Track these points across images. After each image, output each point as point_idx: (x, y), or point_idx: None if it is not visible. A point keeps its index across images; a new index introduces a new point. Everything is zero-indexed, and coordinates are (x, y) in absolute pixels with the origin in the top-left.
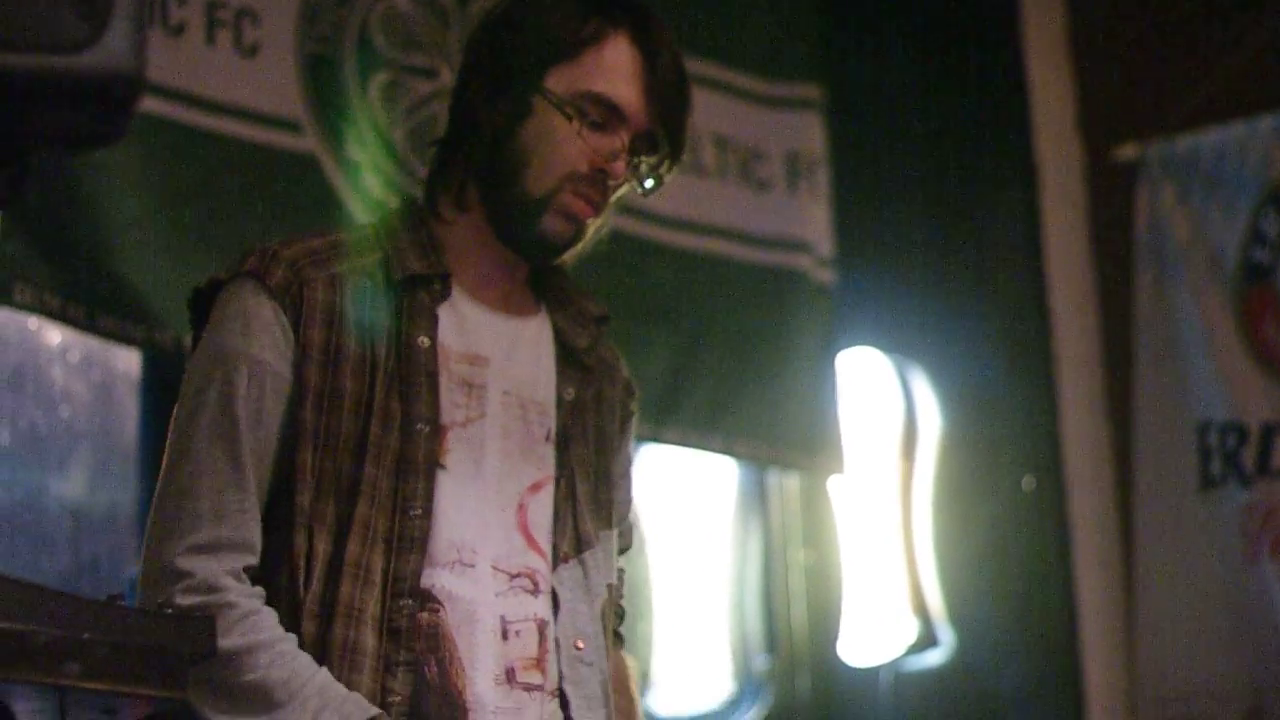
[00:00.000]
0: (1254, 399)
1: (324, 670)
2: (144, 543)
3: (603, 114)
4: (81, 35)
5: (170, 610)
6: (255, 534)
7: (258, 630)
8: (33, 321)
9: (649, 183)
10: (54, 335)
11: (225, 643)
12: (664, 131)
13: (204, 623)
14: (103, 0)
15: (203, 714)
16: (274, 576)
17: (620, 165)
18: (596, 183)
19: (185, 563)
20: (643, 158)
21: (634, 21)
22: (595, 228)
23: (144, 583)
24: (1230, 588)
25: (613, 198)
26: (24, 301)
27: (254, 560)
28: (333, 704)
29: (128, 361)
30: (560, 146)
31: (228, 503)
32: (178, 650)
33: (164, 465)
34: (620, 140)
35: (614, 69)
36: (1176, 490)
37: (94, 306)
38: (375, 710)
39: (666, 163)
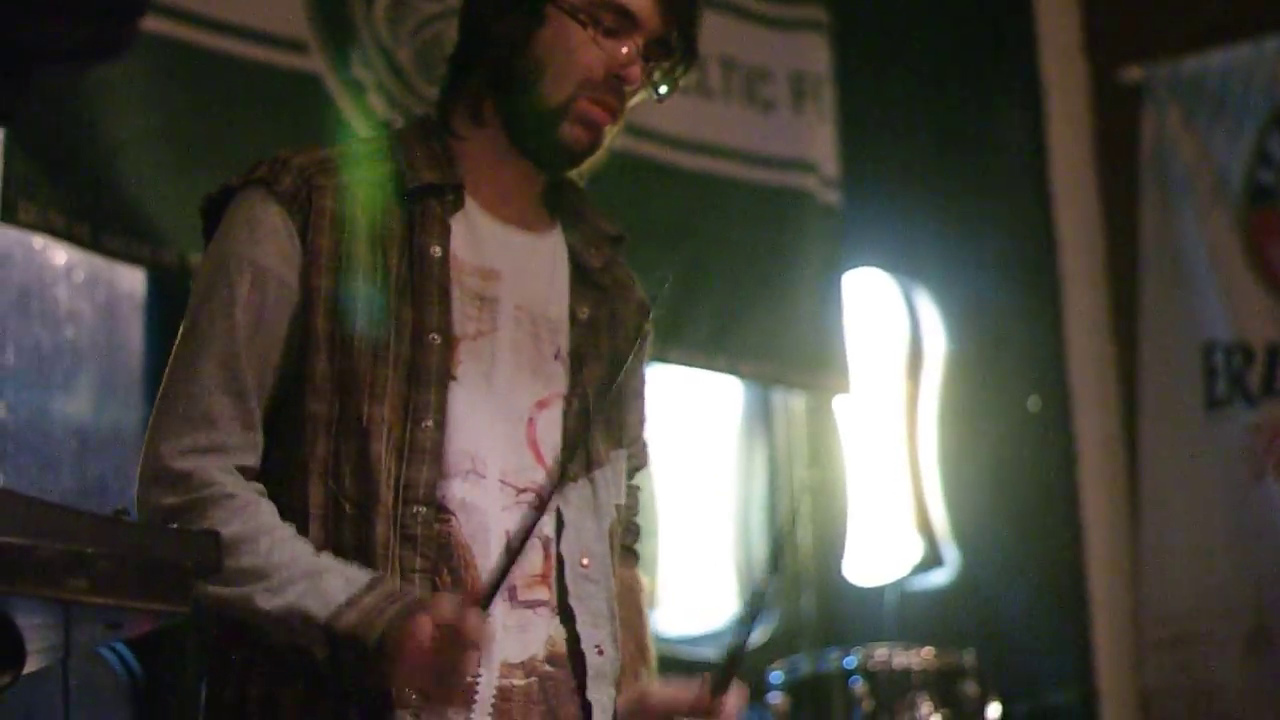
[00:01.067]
0: (1259, 320)
1: (325, 553)
2: (144, 444)
3: (615, 20)
4: None
5: (165, 508)
6: (253, 438)
7: (258, 517)
8: (38, 241)
9: (664, 88)
10: (59, 255)
11: (227, 530)
12: (677, 34)
13: (209, 536)
14: None
15: (203, 594)
16: (288, 481)
17: (635, 70)
18: (613, 89)
19: (182, 463)
20: (657, 62)
21: None
22: (613, 134)
23: (141, 483)
24: (1235, 507)
25: (629, 103)
26: (29, 220)
27: (253, 462)
28: (333, 570)
29: (132, 281)
30: (575, 54)
31: (225, 407)
32: (182, 564)
33: (167, 369)
34: (634, 45)
35: None
36: (1182, 410)
37: (98, 225)
38: (375, 574)
39: (680, 67)
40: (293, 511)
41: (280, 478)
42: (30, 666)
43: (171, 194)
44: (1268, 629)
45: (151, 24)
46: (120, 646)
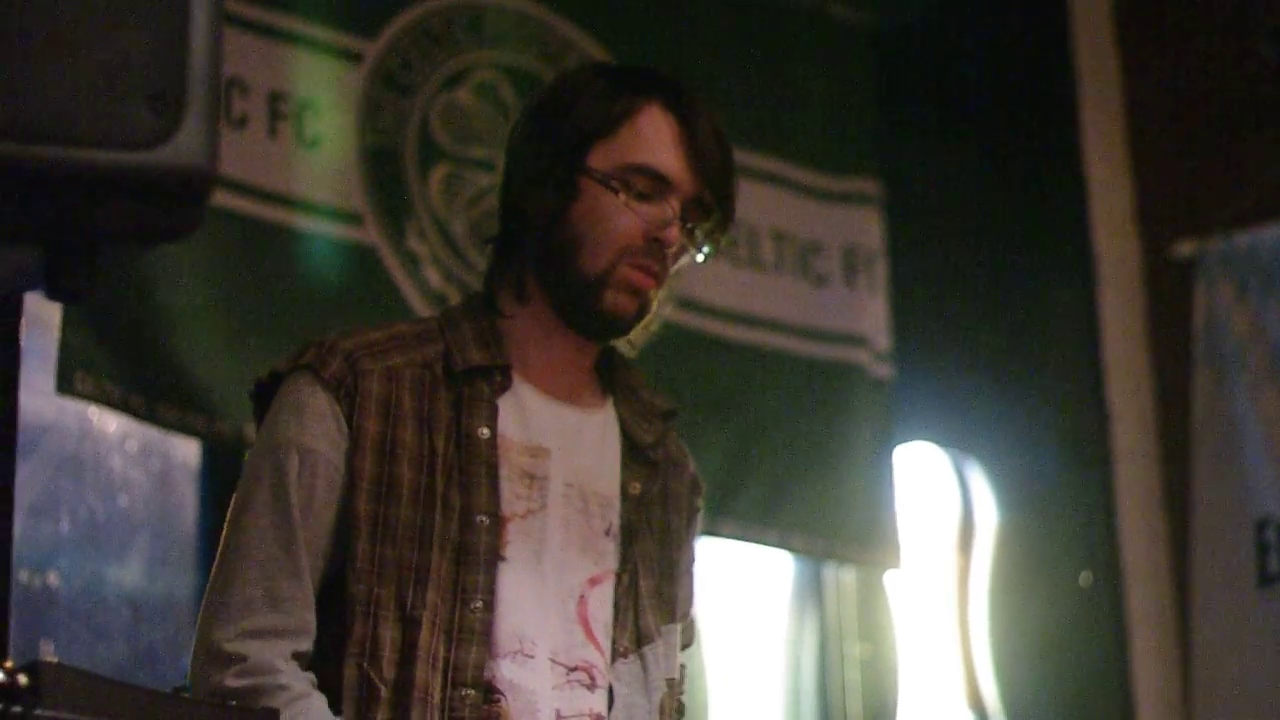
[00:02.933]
0: None
1: None
2: (197, 626)
3: (648, 184)
4: (155, 132)
5: (222, 691)
6: (309, 621)
7: (309, 714)
8: (92, 410)
9: (705, 248)
10: (113, 424)
11: None
12: (712, 193)
13: (268, 715)
14: (176, 97)
15: None
16: (324, 661)
17: (673, 232)
18: (653, 253)
19: (238, 646)
20: (696, 224)
21: (664, 91)
22: (659, 300)
23: (195, 665)
24: None
25: (673, 267)
26: (85, 391)
27: (308, 647)
28: None
29: (186, 451)
30: (611, 221)
31: (281, 589)
32: None
33: (219, 551)
34: (670, 208)
35: (652, 138)
36: (1235, 586)
37: (154, 396)
38: None
39: (719, 227)
40: (327, 692)
41: (329, 658)
42: None
43: (227, 365)
44: None
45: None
46: None
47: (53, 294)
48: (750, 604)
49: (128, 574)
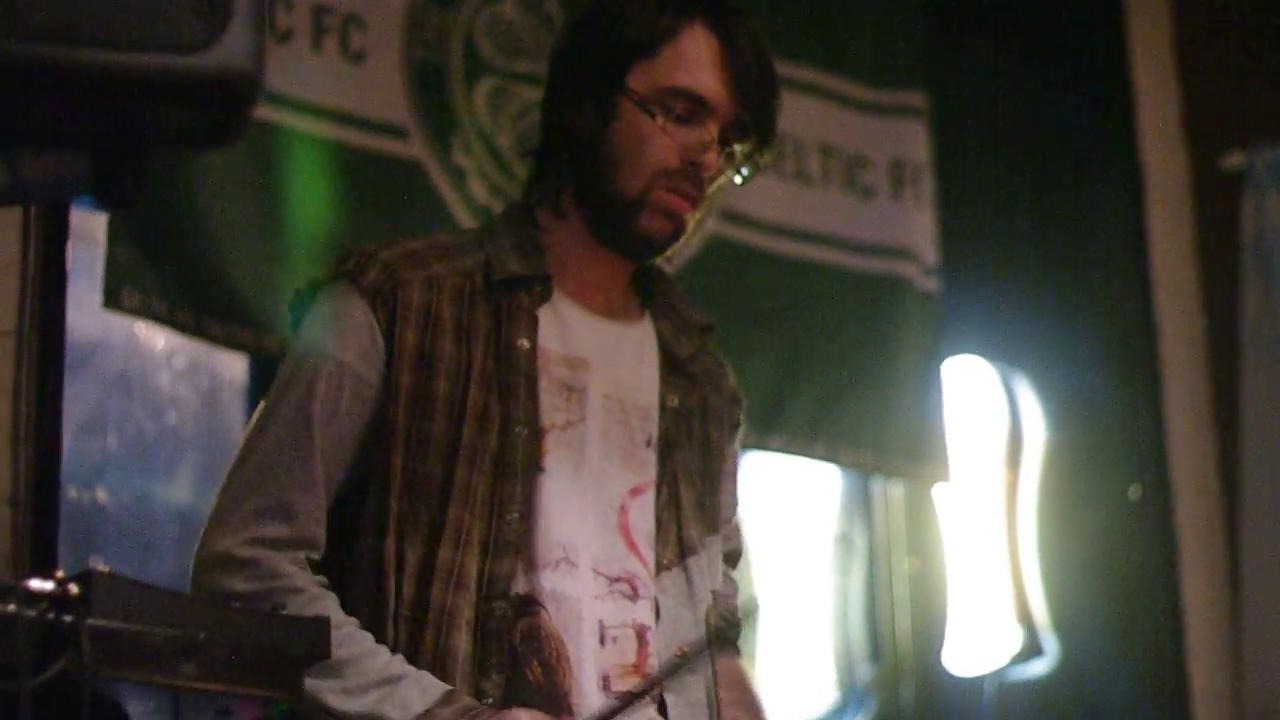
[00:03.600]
0: None
1: (386, 649)
2: (204, 528)
3: (687, 107)
4: (201, 36)
5: (231, 595)
6: (319, 535)
7: (325, 612)
8: (139, 327)
9: (744, 169)
10: (160, 341)
11: None
12: (752, 116)
13: (319, 624)
14: (222, 2)
15: None
16: (356, 580)
17: (711, 156)
18: (690, 176)
19: (247, 552)
20: (735, 146)
21: (708, 10)
22: (697, 220)
23: (200, 570)
24: None
25: (710, 189)
26: (131, 306)
27: (317, 556)
28: (411, 677)
29: (233, 367)
30: (648, 145)
31: (294, 501)
32: (293, 652)
33: (235, 456)
34: (708, 132)
35: (693, 60)
36: None
37: (201, 311)
38: (449, 685)
39: (759, 149)
40: (354, 608)
41: (344, 571)
42: None
43: (274, 280)
44: None
45: (256, 110)
46: None
47: (100, 200)
48: (798, 519)
49: (176, 490)
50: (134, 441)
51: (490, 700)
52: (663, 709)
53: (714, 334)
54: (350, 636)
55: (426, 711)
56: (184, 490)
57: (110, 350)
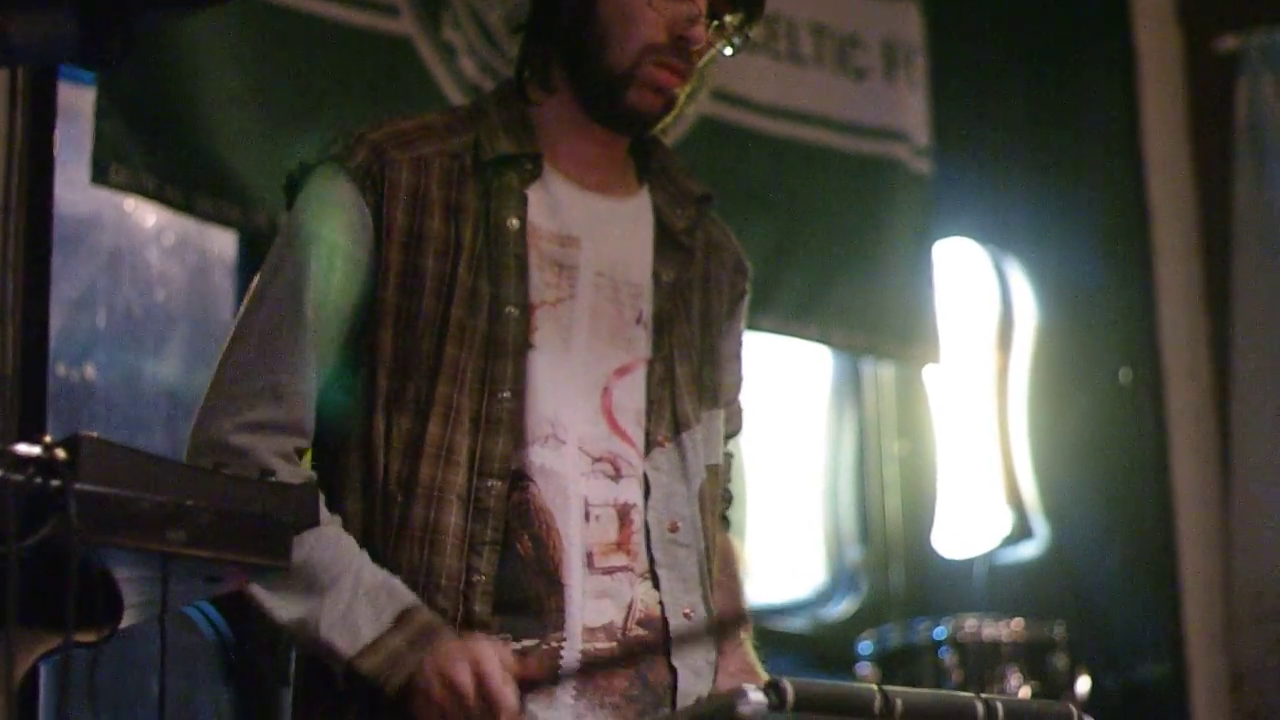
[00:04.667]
0: None
1: (364, 554)
2: (196, 413)
3: None
4: None
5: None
6: (309, 418)
7: None
8: (129, 204)
9: (735, 41)
10: (150, 218)
11: None
12: None
13: (308, 491)
14: None
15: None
16: (345, 456)
17: (699, 30)
18: (678, 51)
19: (237, 439)
20: (724, 18)
21: None
22: (687, 94)
23: (191, 453)
24: None
25: (700, 63)
26: (120, 182)
27: (305, 443)
28: (368, 594)
29: (223, 244)
30: (635, 19)
31: (284, 384)
32: (281, 519)
33: (229, 337)
34: (696, 5)
35: None
36: (1275, 381)
37: (190, 187)
38: (408, 601)
39: (749, 21)
40: (344, 486)
41: (333, 450)
42: (128, 620)
43: (263, 156)
44: None
45: None
46: (210, 609)
47: (87, 59)
48: (789, 399)
49: (165, 367)
50: (123, 318)
51: (482, 577)
52: (656, 585)
53: (713, 203)
54: (325, 539)
55: (374, 642)
56: (173, 367)
57: (99, 227)
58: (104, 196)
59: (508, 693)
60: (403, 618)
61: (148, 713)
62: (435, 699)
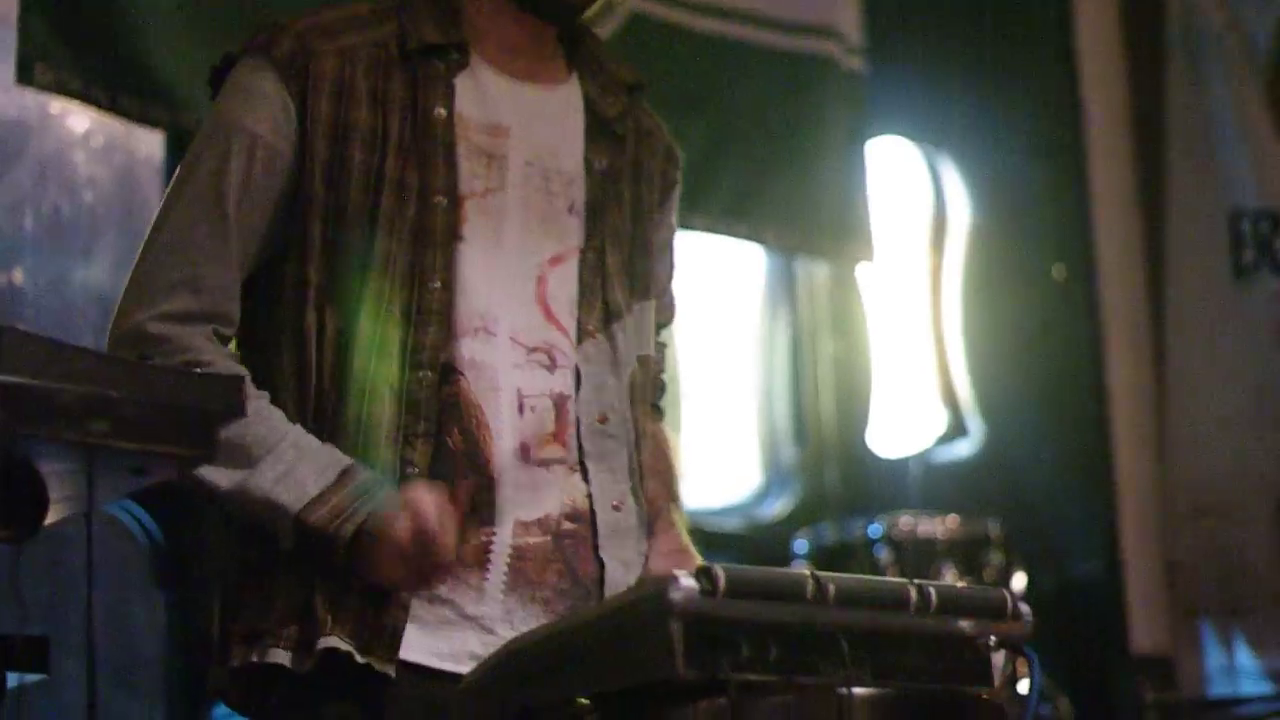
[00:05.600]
0: None
1: (298, 426)
2: (117, 305)
3: None
4: None
5: None
6: (232, 309)
7: None
8: (55, 107)
9: None
10: (77, 121)
11: None
12: None
13: (233, 381)
14: None
15: None
16: (277, 352)
17: None
18: None
19: (158, 327)
20: None
21: None
22: None
23: (111, 345)
24: (1261, 376)
25: None
26: (45, 82)
27: (228, 332)
28: (308, 455)
29: (150, 145)
30: None
31: (205, 275)
32: (207, 409)
33: (149, 230)
34: None
35: None
36: (1208, 279)
37: (116, 87)
38: (348, 460)
39: None
40: (274, 379)
41: (263, 345)
42: (53, 516)
43: (191, 56)
44: None
45: None
46: (140, 511)
47: None
48: (722, 300)
49: (93, 272)
50: (50, 222)
51: (416, 470)
52: (586, 477)
53: (644, 91)
54: (258, 414)
55: (320, 495)
56: (102, 271)
57: (25, 131)
58: (30, 99)
59: (446, 531)
60: (345, 474)
61: (80, 619)
62: (379, 555)
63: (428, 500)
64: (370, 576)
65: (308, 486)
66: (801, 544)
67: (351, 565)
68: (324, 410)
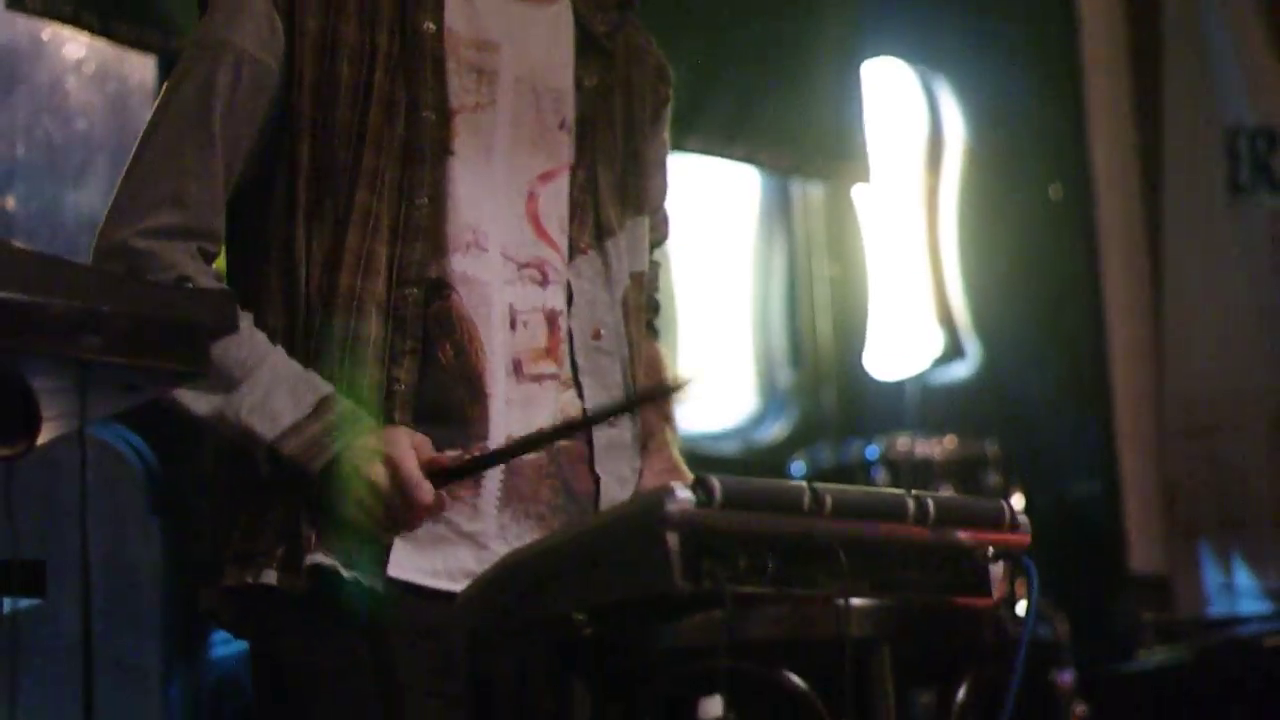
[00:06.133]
0: None
1: (279, 350)
2: (102, 221)
3: None
4: None
5: None
6: (217, 224)
7: None
8: (47, 33)
9: None
10: (69, 48)
11: None
12: None
13: (225, 296)
14: None
15: None
16: (265, 270)
17: None
18: None
19: (143, 243)
20: None
21: None
22: None
23: (95, 261)
24: (1258, 293)
25: None
26: (37, 7)
27: (213, 248)
28: (285, 383)
29: (143, 71)
30: None
31: (189, 191)
32: (199, 324)
33: (135, 147)
34: None
35: None
36: (1205, 197)
37: (108, 11)
38: (326, 389)
39: None
40: (265, 301)
41: (251, 263)
42: (46, 434)
43: None
44: None
45: None
46: (135, 438)
47: None
48: (718, 222)
49: (86, 197)
50: (43, 148)
51: (403, 387)
52: (580, 393)
53: (634, 7)
54: (239, 334)
55: (294, 425)
56: (94, 197)
57: (17, 57)
58: (22, 26)
59: (424, 485)
60: (321, 405)
61: (75, 546)
62: (353, 494)
63: (408, 448)
64: (341, 512)
65: (283, 417)
66: (798, 466)
67: (326, 497)
68: (312, 328)
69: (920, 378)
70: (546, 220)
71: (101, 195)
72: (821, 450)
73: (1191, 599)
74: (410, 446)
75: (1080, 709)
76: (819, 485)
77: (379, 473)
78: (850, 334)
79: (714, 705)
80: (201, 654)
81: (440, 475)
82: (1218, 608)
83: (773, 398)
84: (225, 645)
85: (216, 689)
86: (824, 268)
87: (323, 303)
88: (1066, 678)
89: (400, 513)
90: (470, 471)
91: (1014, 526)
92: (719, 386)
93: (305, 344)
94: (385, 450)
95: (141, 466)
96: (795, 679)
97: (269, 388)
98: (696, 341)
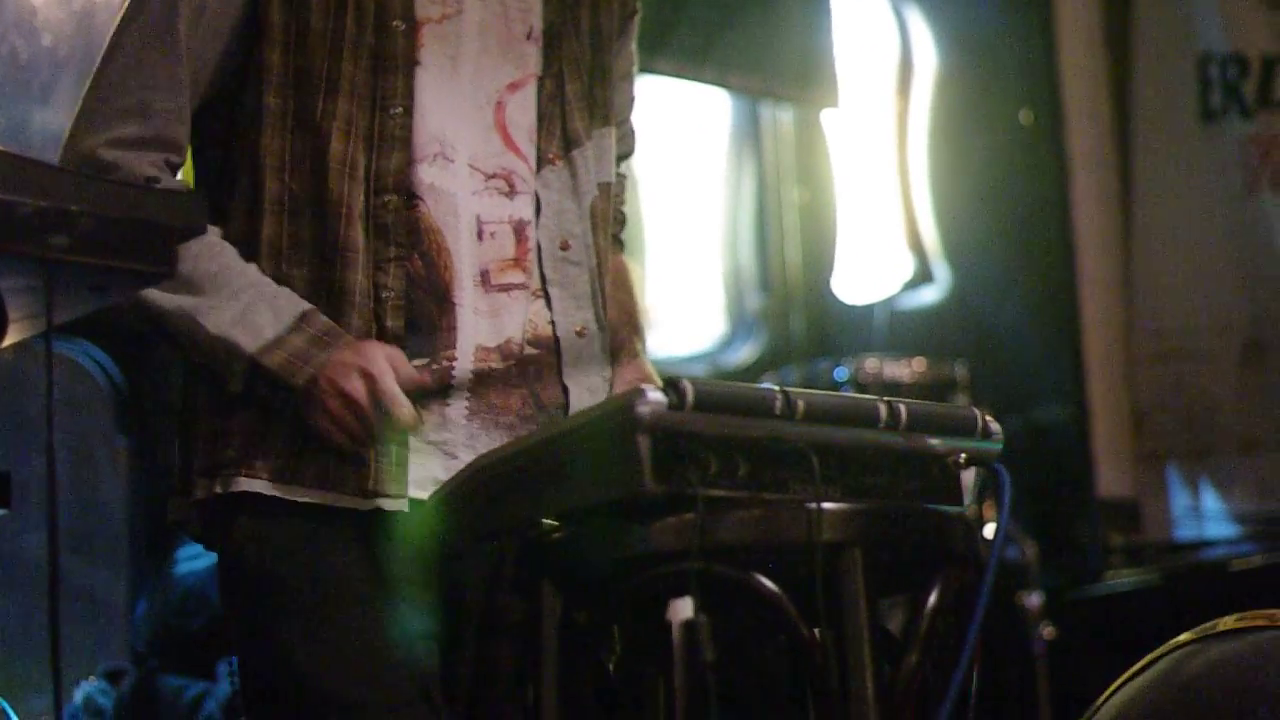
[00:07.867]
0: (1255, 30)
1: (253, 266)
2: (69, 131)
3: None
4: None
5: None
6: (183, 136)
7: None
8: None
9: None
10: None
11: None
12: None
13: (193, 197)
14: None
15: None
16: (231, 177)
17: None
18: None
19: (109, 153)
20: None
21: None
22: None
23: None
24: (1229, 220)
25: None
26: None
27: (178, 159)
28: (264, 298)
29: None
30: None
31: (155, 101)
32: (168, 224)
33: (101, 56)
34: None
35: None
36: (1176, 123)
37: None
38: (305, 305)
39: None
40: (230, 207)
41: (227, 174)
42: (13, 336)
43: None
44: (1261, 342)
45: None
46: (101, 355)
47: None
48: (687, 147)
49: (52, 115)
50: (8, 65)
51: (391, 294)
52: (549, 303)
53: None
54: (209, 247)
55: (276, 339)
56: (61, 114)
57: None
58: None
59: (402, 397)
60: (303, 319)
61: (41, 462)
62: (331, 409)
63: (385, 362)
64: (318, 425)
65: (265, 330)
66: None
67: (303, 411)
68: (294, 235)
69: (889, 302)
70: (515, 130)
71: (68, 112)
72: (790, 371)
73: (1159, 523)
74: (387, 361)
75: (1047, 630)
76: (791, 389)
77: (357, 388)
78: (819, 258)
79: (684, 607)
80: (167, 569)
81: (416, 391)
82: (1185, 532)
83: (742, 321)
84: (190, 561)
85: (180, 605)
86: (793, 192)
87: (310, 208)
88: (1034, 600)
89: (377, 427)
90: (440, 394)
91: (986, 434)
92: (689, 310)
93: (276, 251)
94: (362, 365)
95: (108, 384)
96: (766, 582)
97: (251, 301)
98: (665, 265)
